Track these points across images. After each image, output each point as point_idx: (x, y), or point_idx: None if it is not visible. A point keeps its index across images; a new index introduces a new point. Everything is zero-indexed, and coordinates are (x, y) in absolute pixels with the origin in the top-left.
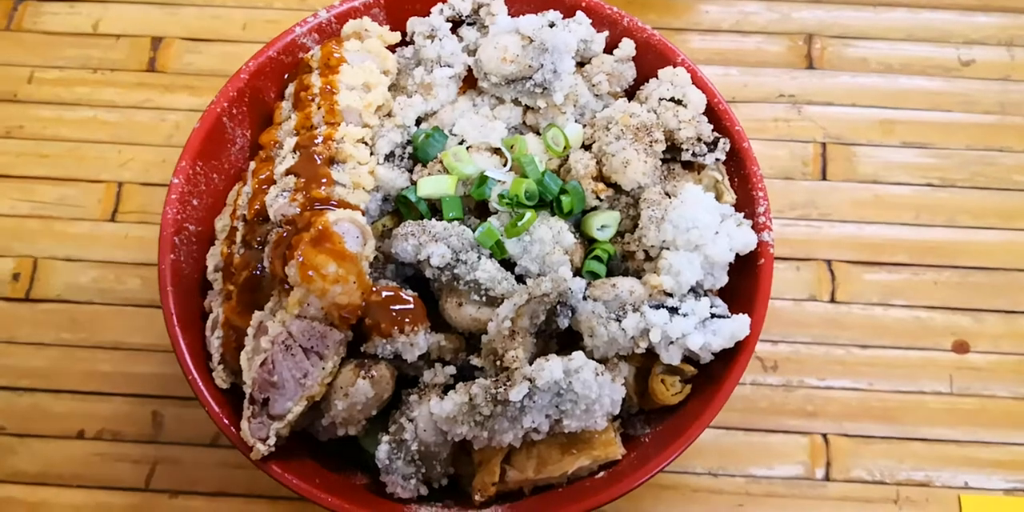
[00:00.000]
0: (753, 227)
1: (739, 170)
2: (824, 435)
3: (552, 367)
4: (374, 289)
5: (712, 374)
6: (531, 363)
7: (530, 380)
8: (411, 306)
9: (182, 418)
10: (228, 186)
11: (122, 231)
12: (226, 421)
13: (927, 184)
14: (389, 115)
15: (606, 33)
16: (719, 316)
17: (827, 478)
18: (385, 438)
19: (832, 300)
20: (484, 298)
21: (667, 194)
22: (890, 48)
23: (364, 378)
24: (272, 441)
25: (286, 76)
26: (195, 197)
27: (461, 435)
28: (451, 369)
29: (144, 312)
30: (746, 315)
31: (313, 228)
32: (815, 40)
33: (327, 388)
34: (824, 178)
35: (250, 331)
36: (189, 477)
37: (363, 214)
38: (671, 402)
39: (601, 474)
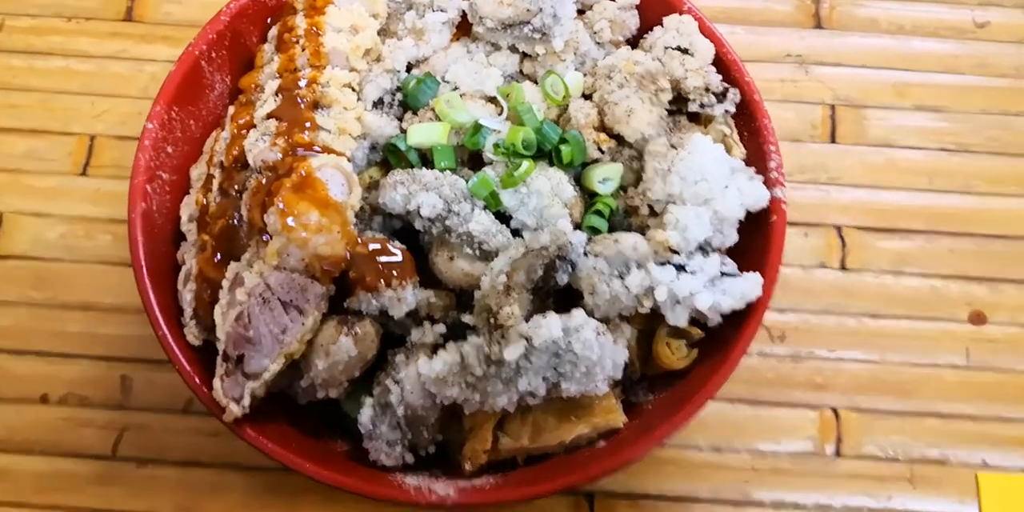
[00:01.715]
0: (765, 183)
1: (749, 124)
2: (834, 409)
3: (550, 325)
4: (359, 240)
5: (720, 338)
6: (527, 321)
7: (526, 339)
8: (399, 258)
9: (152, 382)
10: (205, 134)
11: (94, 185)
12: (197, 380)
13: (941, 149)
14: (378, 60)
15: None
16: (729, 275)
17: (837, 454)
18: (369, 401)
19: (843, 267)
20: (477, 252)
21: (673, 147)
22: (902, 8)
23: (347, 335)
24: (247, 402)
25: (269, 20)
26: (170, 144)
27: (451, 398)
28: (441, 328)
29: (115, 270)
30: (758, 273)
31: (295, 174)
32: None
33: (307, 346)
34: (833, 141)
35: (225, 284)
36: (158, 445)
37: (349, 161)
38: (677, 367)
39: (601, 443)
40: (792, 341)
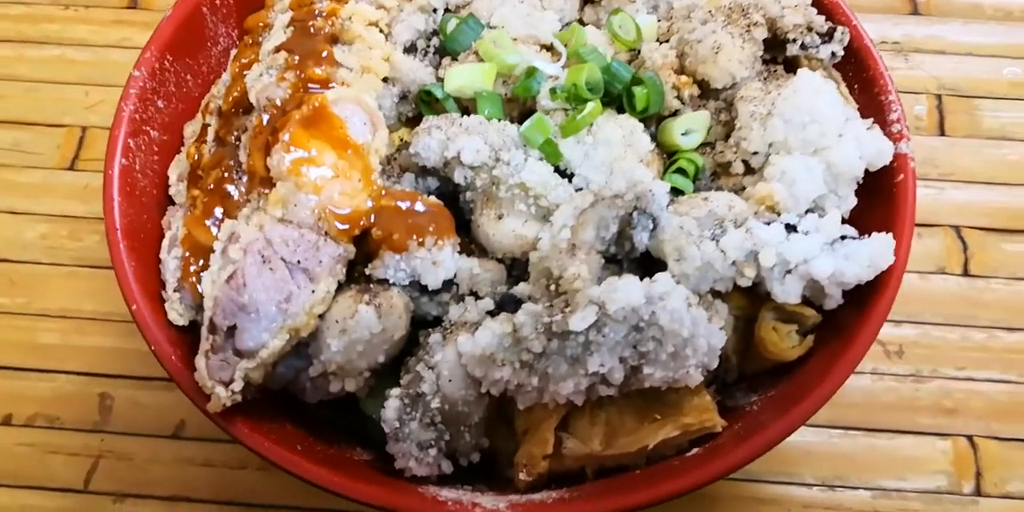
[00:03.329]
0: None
1: (859, 74)
2: (970, 438)
3: (629, 288)
4: (384, 193)
5: (839, 324)
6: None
7: (598, 305)
8: (434, 214)
9: (137, 402)
10: (203, 92)
11: (81, 181)
12: (179, 364)
13: None
14: None
15: None
16: (851, 238)
17: (978, 493)
18: (395, 392)
19: (965, 273)
20: (533, 208)
21: (768, 92)
22: None
23: (368, 304)
24: (238, 386)
25: None
26: (161, 98)
27: (501, 383)
28: (487, 304)
29: (101, 275)
30: (888, 234)
31: (306, 106)
32: None
33: (319, 322)
34: (942, 133)
35: (217, 246)
36: (140, 477)
37: None
38: (787, 358)
39: (694, 451)
40: (912, 358)
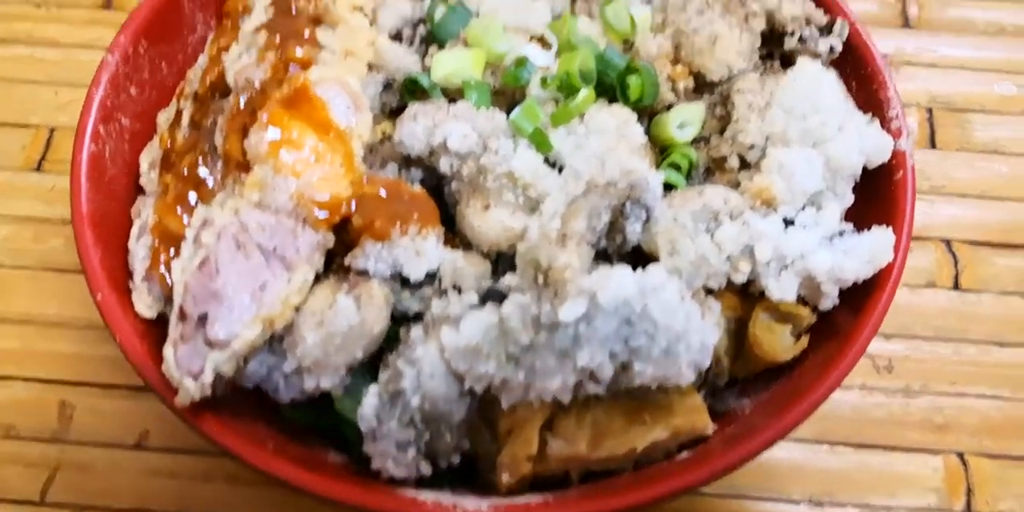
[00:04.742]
0: None
1: (857, 70)
2: (960, 455)
3: (620, 279)
4: (366, 179)
5: (835, 326)
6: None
7: (589, 295)
8: (418, 201)
9: (98, 411)
10: (178, 81)
11: (48, 182)
12: (145, 358)
13: None
14: None
15: None
16: (850, 233)
17: (968, 511)
18: (373, 389)
19: (956, 287)
20: (521, 199)
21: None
22: (1001, 8)
23: (347, 295)
24: (208, 378)
25: None
26: (135, 84)
27: (485, 377)
28: (472, 297)
29: (66, 278)
30: (889, 229)
31: (287, 85)
32: None
33: (293, 313)
34: (933, 146)
35: (189, 233)
36: (101, 488)
37: None
38: (780, 359)
39: (683, 454)
40: (902, 373)
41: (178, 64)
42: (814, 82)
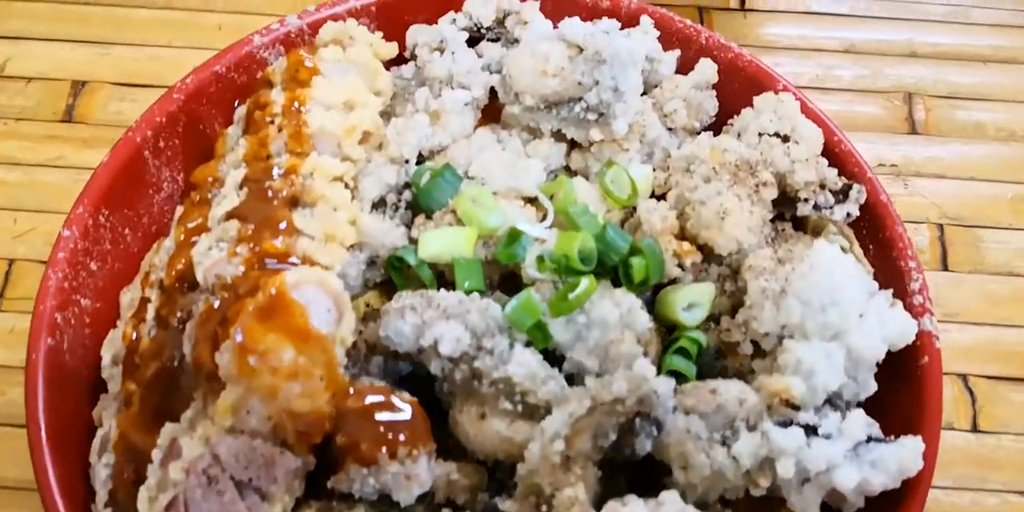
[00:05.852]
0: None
1: (875, 233)
2: None
3: None
4: (351, 390)
5: None
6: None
7: None
8: (408, 416)
9: None
10: (144, 249)
11: (7, 323)
12: None
13: None
14: (379, 149)
15: (677, 52)
16: (877, 440)
17: None
18: None
19: (974, 429)
20: (519, 407)
21: (780, 262)
22: (1011, 111)
23: None
24: None
25: (236, 102)
26: (95, 259)
27: None
28: None
29: (21, 434)
30: (918, 437)
31: (262, 292)
32: (916, 100)
33: None
34: (945, 268)
35: (156, 455)
36: None
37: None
38: None
39: None
40: None
41: (143, 228)
42: (831, 271)
